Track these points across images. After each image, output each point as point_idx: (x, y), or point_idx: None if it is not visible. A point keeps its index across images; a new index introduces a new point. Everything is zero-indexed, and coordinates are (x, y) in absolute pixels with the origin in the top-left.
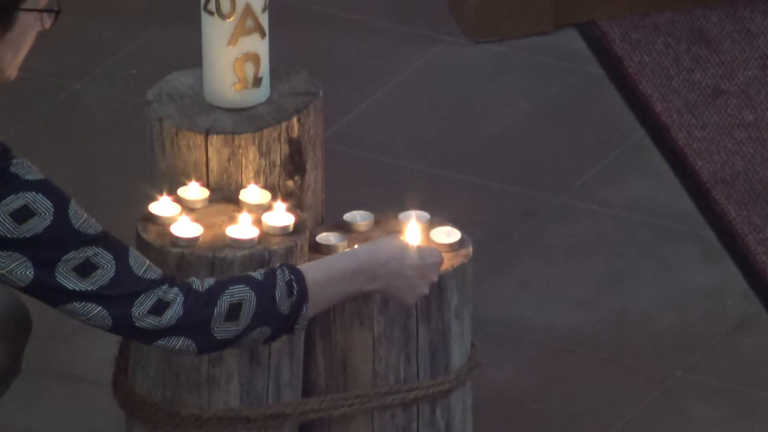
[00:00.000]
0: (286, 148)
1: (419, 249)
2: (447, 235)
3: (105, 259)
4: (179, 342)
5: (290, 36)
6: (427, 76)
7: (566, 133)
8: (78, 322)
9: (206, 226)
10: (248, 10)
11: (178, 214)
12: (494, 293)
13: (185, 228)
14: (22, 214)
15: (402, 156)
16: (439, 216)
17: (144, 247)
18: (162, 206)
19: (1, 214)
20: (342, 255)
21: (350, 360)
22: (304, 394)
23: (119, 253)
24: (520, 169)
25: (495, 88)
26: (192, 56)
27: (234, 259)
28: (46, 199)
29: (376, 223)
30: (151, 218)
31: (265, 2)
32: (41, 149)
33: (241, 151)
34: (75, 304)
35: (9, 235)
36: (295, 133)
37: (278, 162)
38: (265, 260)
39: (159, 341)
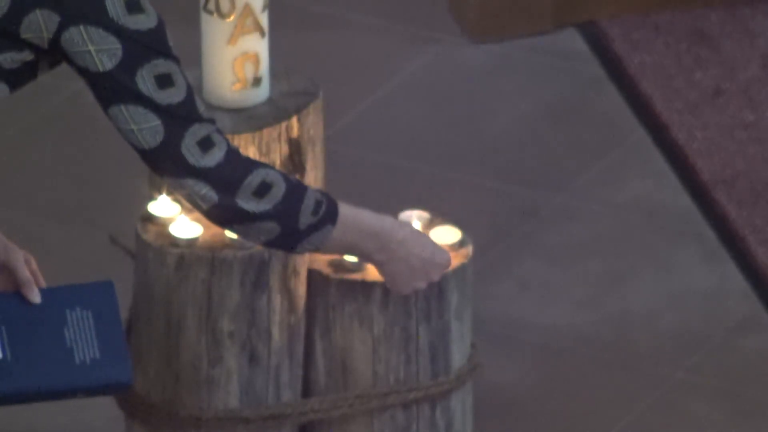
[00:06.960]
0: (285, 148)
1: (433, 246)
2: (447, 235)
3: (180, 82)
4: (205, 189)
5: (290, 36)
6: (427, 76)
7: (566, 133)
8: None
9: (206, 226)
10: (248, 10)
11: (178, 213)
12: (494, 293)
13: (184, 228)
14: (133, 5)
15: (402, 156)
16: (439, 216)
17: (143, 247)
18: (161, 206)
19: None
20: (372, 213)
21: (350, 360)
22: (303, 395)
23: (190, 85)
24: (521, 169)
25: (495, 88)
26: (191, 56)
27: (234, 259)
28: (153, 7)
29: None
30: (150, 218)
31: (265, 1)
32: (41, 149)
33: (240, 150)
34: (138, 108)
35: (115, 18)
36: (294, 133)
37: (278, 162)
38: (264, 260)
39: (189, 179)
